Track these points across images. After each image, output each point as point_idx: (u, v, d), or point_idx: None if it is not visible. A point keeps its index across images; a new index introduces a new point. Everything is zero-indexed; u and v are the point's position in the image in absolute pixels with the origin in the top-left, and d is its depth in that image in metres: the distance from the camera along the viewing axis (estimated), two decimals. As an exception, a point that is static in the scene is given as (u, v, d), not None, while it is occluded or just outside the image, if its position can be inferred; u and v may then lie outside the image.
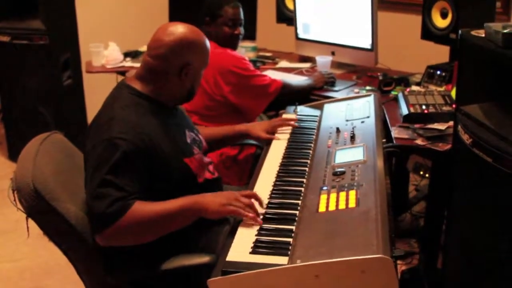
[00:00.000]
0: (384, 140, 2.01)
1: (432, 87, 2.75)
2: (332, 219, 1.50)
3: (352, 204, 1.54)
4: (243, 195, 1.63)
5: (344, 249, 1.34)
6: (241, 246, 1.47)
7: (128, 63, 3.55)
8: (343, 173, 1.74)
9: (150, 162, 1.63)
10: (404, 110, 2.36)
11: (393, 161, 3.00)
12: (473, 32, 1.74)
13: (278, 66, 3.43)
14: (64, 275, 2.71)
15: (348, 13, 3.17)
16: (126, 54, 3.63)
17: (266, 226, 1.56)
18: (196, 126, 2.05)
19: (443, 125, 2.24)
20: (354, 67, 3.30)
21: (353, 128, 2.07)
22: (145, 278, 1.73)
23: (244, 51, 3.54)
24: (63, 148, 1.85)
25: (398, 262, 2.54)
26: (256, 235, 1.52)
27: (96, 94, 3.11)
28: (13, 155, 3.92)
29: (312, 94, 2.88)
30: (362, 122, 2.13)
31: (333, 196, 1.61)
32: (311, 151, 2.02)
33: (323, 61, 3.18)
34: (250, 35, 3.56)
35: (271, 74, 2.92)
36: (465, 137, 1.58)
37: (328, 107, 2.44)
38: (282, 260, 1.39)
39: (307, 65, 3.40)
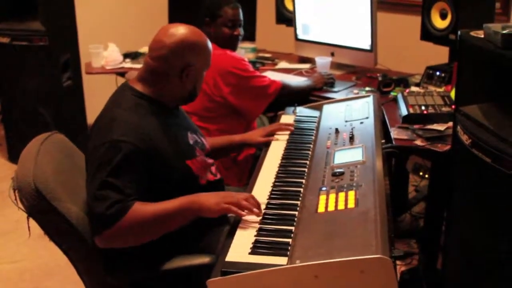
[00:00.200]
0: (383, 140, 2.01)
1: (431, 88, 2.75)
2: (331, 220, 1.50)
3: (351, 204, 1.54)
4: (241, 198, 1.64)
5: (343, 249, 1.34)
6: (241, 247, 1.47)
7: (128, 64, 3.55)
8: (342, 173, 1.74)
9: (152, 163, 1.63)
10: (404, 111, 2.36)
11: (393, 162, 3.00)
12: (473, 33, 1.74)
13: (277, 67, 3.43)
14: (64, 276, 2.71)
15: (348, 14, 3.18)
16: (126, 55, 3.63)
17: (265, 226, 1.57)
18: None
19: (442, 125, 2.24)
20: (353, 68, 3.30)
21: (352, 129, 2.07)
22: (145, 278, 1.73)
23: (244, 52, 3.54)
24: (64, 148, 1.85)
25: (398, 262, 2.55)
26: (255, 236, 1.52)
27: (95, 95, 3.11)
28: (13, 157, 3.92)
29: (311, 95, 2.88)
30: (361, 123, 2.14)
31: (332, 196, 1.61)
32: (310, 152, 2.02)
33: (323, 62, 3.18)
34: (250, 36, 3.57)
35: (271, 75, 2.92)
36: (465, 138, 1.58)
37: (327, 108, 2.44)
38: (282, 260, 1.39)
39: (306, 66, 3.40)
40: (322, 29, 3.37)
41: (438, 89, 2.70)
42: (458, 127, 1.65)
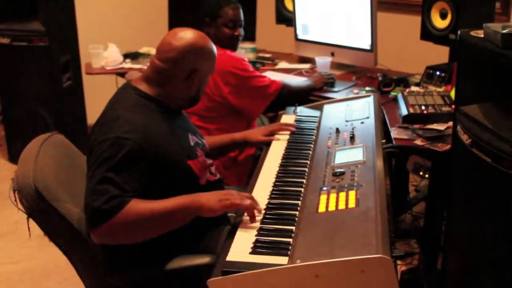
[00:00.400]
0: (383, 140, 2.01)
1: (431, 88, 2.75)
2: (331, 219, 1.50)
3: (351, 204, 1.54)
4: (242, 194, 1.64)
5: (343, 249, 1.34)
6: (241, 246, 1.47)
7: (128, 64, 3.55)
8: (342, 173, 1.74)
9: (153, 162, 1.63)
10: (404, 111, 2.36)
11: (393, 162, 3.00)
12: (472, 33, 1.74)
13: (277, 67, 3.43)
14: (64, 277, 2.71)
15: (348, 14, 3.18)
16: (126, 56, 3.63)
17: (266, 226, 1.57)
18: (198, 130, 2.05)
19: (442, 125, 2.24)
20: (353, 68, 3.30)
21: (352, 129, 2.07)
22: (145, 278, 1.73)
23: (244, 52, 3.54)
24: (64, 149, 1.86)
25: (398, 262, 2.55)
26: (256, 235, 1.52)
27: (96, 95, 3.12)
28: (13, 157, 3.92)
29: (311, 95, 2.88)
30: (362, 122, 2.14)
31: (332, 196, 1.61)
32: (310, 152, 2.02)
33: (323, 62, 3.18)
34: (250, 36, 3.56)
35: (271, 75, 2.92)
36: (465, 138, 1.58)
37: (327, 108, 2.44)
38: (282, 260, 1.39)
39: (306, 66, 3.41)
40: (322, 29, 3.37)
41: (438, 89, 2.70)
42: (458, 127, 1.65)
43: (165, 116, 1.77)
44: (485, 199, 1.54)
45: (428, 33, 2.83)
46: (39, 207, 1.57)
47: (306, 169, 1.89)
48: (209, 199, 1.61)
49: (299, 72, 3.27)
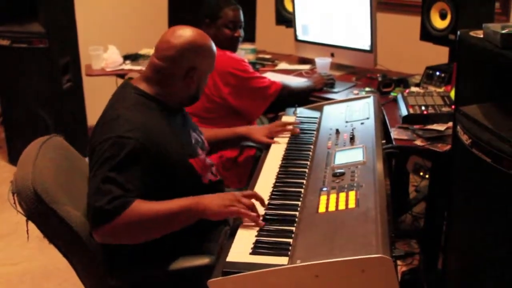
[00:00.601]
0: (383, 141, 2.01)
1: (431, 88, 2.75)
2: (332, 220, 1.50)
3: (351, 204, 1.55)
4: (244, 195, 1.63)
5: (344, 249, 1.34)
6: (242, 247, 1.47)
7: (128, 66, 3.55)
8: (342, 174, 1.74)
9: (155, 161, 1.63)
10: (404, 111, 2.36)
11: (393, 162, 3.00)
12: (472, 33, 1.74)
13: (277, 68, 3.44)
14: (64, 278, 2.71)
15: (347, 14, 3.18)
16: (126, 57, 3.64)
17: (266, 227, 1.57)
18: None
19: (442, 126, 2.24)
20: (353, 68, 3.30)
21: (352, 130, 2.07)
22: (145, 279, 1.73)
23: (244, 53, 3.54)
24: (63, 151, 1.85)
25: (399, 263, 2.55)
26: (256, 236, 1.52)
27: (96, 97, 3.11)
28: (13, 159, 3.92)
29: (311, 96, 2.88)
30: (362, 123, 2.14)
31: (333, 197, 1.61)
32: (310, 153, 2.02)
33: (323, 62, 3.18)
34: (250, 37, 3.57)
35: (271, 76, 2.92)
36: (464, 138, 1.58)
37: (327, 109, 2.44)
38: (282, 260, 1.39)
39: (306, 67, 3.41)
40: (322, 30, 3.38)
41: (438, 89, 2.70)
42: (458, 127, 1.65)
43: (165, 114, 1.77)
44: (485, 199, 1.54)
45: (427, 34, 2.83)
46: (38, 210, 1.56)
47: (306, 170, 1.89)
48: (213, 202, 1.60)
49: (299, 73, 3.28)
